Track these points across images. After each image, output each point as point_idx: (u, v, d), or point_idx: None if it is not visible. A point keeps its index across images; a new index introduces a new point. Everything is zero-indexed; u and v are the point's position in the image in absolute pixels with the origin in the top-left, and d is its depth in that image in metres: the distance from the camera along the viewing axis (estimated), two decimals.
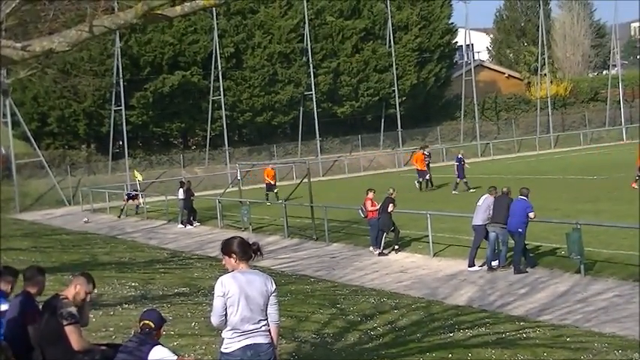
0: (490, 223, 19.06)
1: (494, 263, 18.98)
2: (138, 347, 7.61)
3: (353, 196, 36.31)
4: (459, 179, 35.79)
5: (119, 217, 37.97)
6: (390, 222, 22.51)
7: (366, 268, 20.91)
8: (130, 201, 38.56)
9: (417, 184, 37.88)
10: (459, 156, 36.71)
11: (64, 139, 54.23)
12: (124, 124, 51.14)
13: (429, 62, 61.50)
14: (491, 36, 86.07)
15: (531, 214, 18.40)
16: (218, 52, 53.85)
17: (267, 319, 7.28)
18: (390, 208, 22.40)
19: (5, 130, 48.65)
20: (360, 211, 23.26)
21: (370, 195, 23.08)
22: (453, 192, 35.14)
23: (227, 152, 54.36)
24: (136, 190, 39.93)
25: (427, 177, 37.82)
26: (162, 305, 14.41)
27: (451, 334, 12.50)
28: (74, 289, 8.28)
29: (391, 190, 23.12)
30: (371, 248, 22.81)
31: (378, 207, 22.68)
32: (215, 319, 7.22)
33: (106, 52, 51.27)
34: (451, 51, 64.98)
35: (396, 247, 22.69)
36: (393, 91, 59.13)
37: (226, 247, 7.37)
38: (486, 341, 11.95)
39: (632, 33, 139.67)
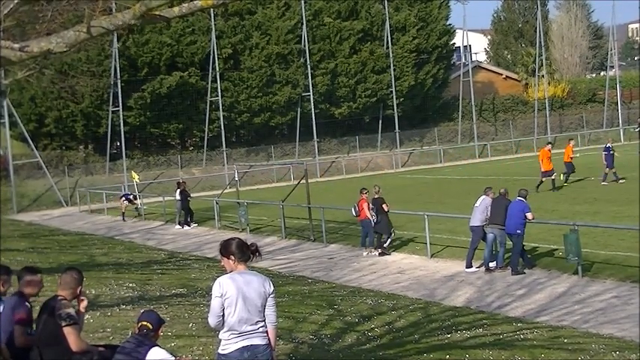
0: (488, 225, 19.06)
1: (492, 264, 18.99)
2: (135, 348, 7.60)
3: (350, 197, 36.33)
4: (607, 169, 33.85)
5: (124, 219, 37.22)
6: (390, 224, 22.53)
7: (363, 269, 20.91)
8: (128, 203, 37.77)
9: (561, 179, 33.83)
10: (608, 145, 34.60)
11: (62, 140, 54.21)
12: (122, 124, 51.11)
13: (427, 63, 61.51)
14: (489, 37, 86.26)
15: (529, 215, 18.42)
16: (216, 53, 53.84)
17: (264, 321, 7.29)
18: (386, 208, 22.39)
19: (3, 131, 48.64)
20: (352, 210, 23.24)
21: (365, 196, 23.02)
22: (602, 183, 33.37)
23: (225, 153, 54.34)
24: (133, 193, 39.28)
25: (553, 177, 33.35)
26: (160, 306, 14.41)
27: (449, 335, 12.51)
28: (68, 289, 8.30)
29: (376, 189, 23.10)
30: (364, 253, 22.76)
31: (369, 209, 22.58)
32: (212, 320, 7.23)
33: (104, 52, 51.22)
34: (449, 52, 64.95)
35: (385, 246, 22.67)
36: (391, 92, 59.13)
37: (225, 249, 7.38)
38: (484, 342, 11.96)
39: (630, 34, 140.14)
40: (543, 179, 33.27)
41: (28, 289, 8.73)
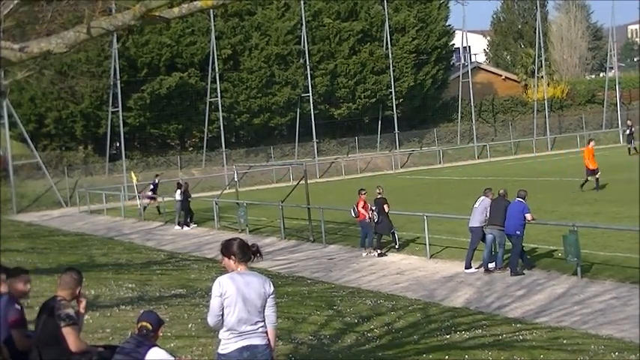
0: (487, 225, 19.07)
1: (491, 265, 19.00)
2: (135, 349, 7.61)
3: (350, 197, 36.34)
4: None
5: (144, 210, 37.47)
6: (390, 224, 22.60)
7: (363, 269, 20.92)
8: (153, 187, 37.67)
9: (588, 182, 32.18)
10: None
11: (61, 141, 54.21)
12: (121, 125, 51.11)
13: (426, 64, 61.49)
14: (489, 38, 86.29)
15: (528, 216, 18.43)
16: (215, 53, 53.83)
17: (264, 321, 7.30)
18: (387, 209, 22.46)
19: (2, 131, 48.65)
20: (352, 211, 23.25)
21: (363, 196, 23.06)
22: None
23: (224, 154, 54.31)
24: (153, 190, 38.66)
25: (597, 176, 32.00)
26: (159, 306, 14.41)
27: (448, 336, 12.51)
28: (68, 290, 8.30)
29: (380, 190, 23.14)
30: (364, 254, 22.78)
31: (369, 209, 22.66)
32: (211, 319, 7.26)
33: (104, 53, 51.23)
34: (448, 53, 64.93)
35: (396, 246, 22.85)
36: (390, 93, 59.12)
37: (226, 249, 7.40)
38: (483, 343, 11.97)
39: (629, 35, 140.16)
40: (589, 178, 32.15)
41: (16, 289, 8.73)
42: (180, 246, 27.88)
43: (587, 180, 32.17)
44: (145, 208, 37.85)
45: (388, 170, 56.65)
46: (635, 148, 49.05)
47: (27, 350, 8.34)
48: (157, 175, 39.85)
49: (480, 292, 17.25)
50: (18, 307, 8.63)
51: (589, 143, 34.08)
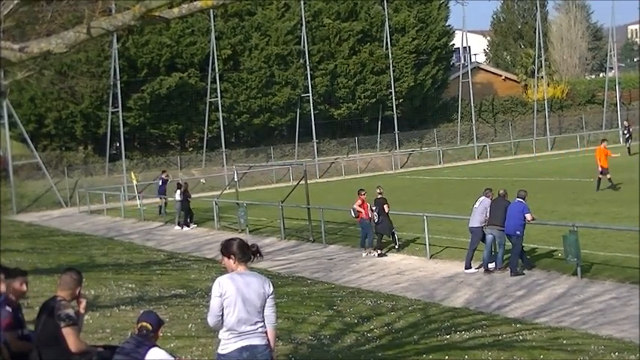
0: (487, 226, 19.07)
1: (491, 265, 19.00)
2: (135, 349, 7.61)
3: (350, 197, 36.31)
4: None
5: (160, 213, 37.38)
6: (390, 225, 22.62)
7: (363, 270, 20.92)
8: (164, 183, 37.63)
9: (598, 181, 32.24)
10: None
11: (61, 141, 54.21)
12: (121, 125, 51.11)
13: (426, 64, 61.49)
14: (488, 38, 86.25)
15: (528, 216, 18.44)
16: (215, 53, 53.83)
17: (263, 321, 7.31)
18: (387, 209, 22.48)
19: (2, 131, 48.66)
20: (352, 211, 23.26)
21: (362, 197, 23.09)
22: None
23: (224, 154, 54.31)
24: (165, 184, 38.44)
25: (608, 176, 31.99)
26: (159, 307, 14.41)
27: (448, 336, 12.51)
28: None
29: (380, 190, 23.17)
30: (363, 254, 22.78)
31: (369, 209, 22.73)
32: (211, 320, 7.26)
33: (104, 53, 51.23)
34: (448, 53, 64.94)
35: (396, 247, 22.88)
36: (390, 93, 59.13)
37: (226, 248, 7.40)
38: (483, 343, 11.97)
39: (629, 35, 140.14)
40: (609, 176, 32.10)
41: (14, 290, 8.73)
42: (180, 246, 27.88)
43: (609, 179, 32.09)
44: (165, 205, 37.52)
45: (388, 170, 56.66)
46: (629, 148, 49.23)
47: (23, 352, 8.33)
48: (163, 172, 39.75)
49: (479, 292, 17.25)
50: (9, 309, 8.61)
51: (601, 143, 34.13)
